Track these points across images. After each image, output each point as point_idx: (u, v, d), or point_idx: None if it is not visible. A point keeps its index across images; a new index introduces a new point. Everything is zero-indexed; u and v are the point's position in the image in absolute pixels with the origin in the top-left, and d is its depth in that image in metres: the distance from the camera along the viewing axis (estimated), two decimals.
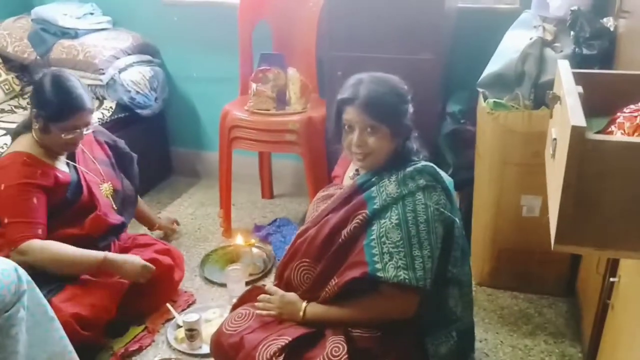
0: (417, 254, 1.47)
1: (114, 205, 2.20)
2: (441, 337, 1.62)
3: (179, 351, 2.00)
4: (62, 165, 2.07)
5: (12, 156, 1.97)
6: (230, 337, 1.59)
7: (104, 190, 2.17)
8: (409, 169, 1.56)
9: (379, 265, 1.47)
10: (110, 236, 2.16)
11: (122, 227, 2.22)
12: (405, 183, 1.53)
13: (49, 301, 1.80)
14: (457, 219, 1.59)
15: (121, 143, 2.38)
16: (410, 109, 1.60)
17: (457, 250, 1.61)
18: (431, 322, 1.61)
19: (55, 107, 1.93)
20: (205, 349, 1.96)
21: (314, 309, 1.58)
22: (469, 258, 1.73)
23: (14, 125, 2.63)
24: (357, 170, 1.70)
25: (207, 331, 2.01)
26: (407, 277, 1.45)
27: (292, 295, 1.62)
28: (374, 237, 1.50)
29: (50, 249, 1.91)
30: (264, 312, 1.62)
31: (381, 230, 1.49)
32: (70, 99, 1.94)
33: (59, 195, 2.01)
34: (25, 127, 2.06)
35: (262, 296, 1.65)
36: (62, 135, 1.96)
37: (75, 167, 2.11)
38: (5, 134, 2.54)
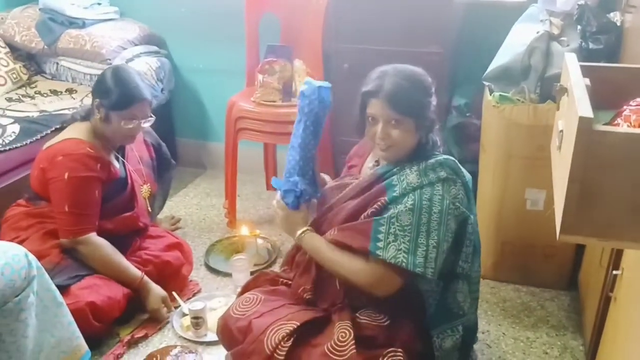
0: (422, 241, 1.47)
1: (149, 208, 2.26)
2: (447, 330, 1.62)
3: (185, 339, 2.02)
4: (114, 160, 2.12)
5: (74, 143, 2.01)
6: (238, 320, 1.61)
7: (143, 192, 2.24)
8: (431, 160, 1.56)
9: (381, 244, 1.48)
10: (134, 237, 2.21)
11: (146, 230, 2.27)
12: (426, 174, 1.54)
13: (68, 288, 1.86)
14: (472, 215, 1.60)
15: (164, 147, 2.46)
16: (434, 101, 1.60)
17: (469, 247, 1.61)
18: (438, 316, 1.62)
19: (117, 96, 2.00)
20: (210, 336, 1.99)
21: (312, 239, 1.61)
22: (480, 255, 1.73)
23: (21, 114, 2.67)
24: (376, 161, 1.70)
25: (212, 319, 2.02)
26: (405, 260, 1.46)
27: (298, 217, 1.65)
28: (385, 215, 1.50)
29: (105, 249, 2.02)
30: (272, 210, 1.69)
31: (395, 211, 1.50)
32: (131, 88, 2.02)
33: (106, 188, 2.06)
34: (82, 117, 2.11)
35: (276, 203, 1.68)
36: (122, 123, 2.02)
37: (124, 164, 2.17)
38: (13, 122, 2.56)
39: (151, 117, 2.12)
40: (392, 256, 1.47)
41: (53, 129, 2.51)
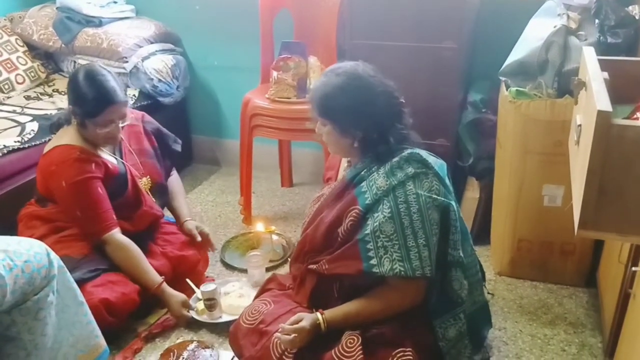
0: (411, 244, 1.48)
1: (153, 199, 2.25)
2: (449, 320, 1.62)
3: (200, 322, 2.06)
4: (110, 157, 2.11)
5: (64, 150, 2.00)
6: (247, 329, 1.65)
7: (143, 185, 2.21)
8: (395, 159, 1.55)
9: (374, 261, 1.48)
10: (151, 230, 2.22)
11: (160, 219, 2.28)
12: (393, 174, 1.53)
13: (83, 285, 1.87)
14: (452, 202, 1.58)
15: (164, 130, 2.38)
16: (375, 105, 1.55)
17: (456, 234, 1.60)
18: (437, 306, 1.61)
19: (88, 103, 1.96)
20: (225, 318, 2.05)
21: (332, 318, 1.54)
22: (470, 239, 1.72)
23: (40, 112, 2.70)
24: (348, 161, 1.71)
25: (226, 302, 2.10)
26: (402, 269, 1.47)
27: (306, 322, 1.52)
28: (368, 231, 1.50)
29: (126, 251, 2.02)
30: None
31: (375, 224, 1.50)
32: (102, 93, 1.96)
33: (108, 186, 2.05)
34: (65, 120, 2.09)
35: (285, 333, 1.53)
36: (98, 130, 1.99)
37: (123, 162, 2.15)
38: (32, 120, 2.60)
39: (130, 116, 2.07)
40: (389, 269, 1.47)
41: None
